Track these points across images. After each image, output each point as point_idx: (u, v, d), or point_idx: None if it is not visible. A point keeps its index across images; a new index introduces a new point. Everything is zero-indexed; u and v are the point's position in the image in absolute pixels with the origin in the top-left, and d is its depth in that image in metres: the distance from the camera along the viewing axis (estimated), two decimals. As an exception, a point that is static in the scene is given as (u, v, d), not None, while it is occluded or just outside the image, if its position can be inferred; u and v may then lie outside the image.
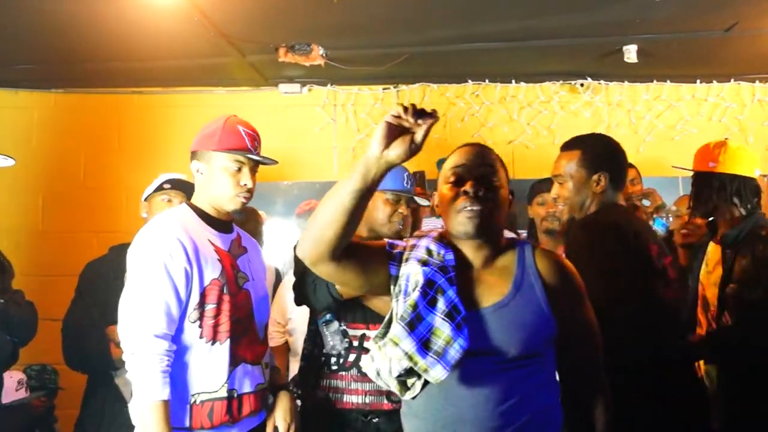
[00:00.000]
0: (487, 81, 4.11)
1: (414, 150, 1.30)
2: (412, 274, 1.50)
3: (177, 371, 1.85)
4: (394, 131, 1.29)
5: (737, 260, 2.27)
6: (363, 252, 1.53)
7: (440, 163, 2.37)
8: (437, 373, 1.38)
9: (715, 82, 4.16)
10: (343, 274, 1.48)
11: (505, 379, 1.45)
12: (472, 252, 1.56)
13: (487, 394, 1.45)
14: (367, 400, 2.16)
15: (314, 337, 2.26)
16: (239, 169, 1.99)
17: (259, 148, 2.05)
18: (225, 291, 1.92)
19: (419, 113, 1.27)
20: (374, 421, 2.14)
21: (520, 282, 1.52)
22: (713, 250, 2.41)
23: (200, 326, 1.88)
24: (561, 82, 4.14)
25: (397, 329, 1.42)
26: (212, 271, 1.91)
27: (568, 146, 2.17)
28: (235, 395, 1.90)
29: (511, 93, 4.15)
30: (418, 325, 1.42)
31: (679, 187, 3.97)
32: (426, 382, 1.43)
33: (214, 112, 4.31)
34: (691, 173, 2.47)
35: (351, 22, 3.08)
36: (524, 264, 1.55)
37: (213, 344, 1.89)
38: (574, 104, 4.16)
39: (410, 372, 1.41)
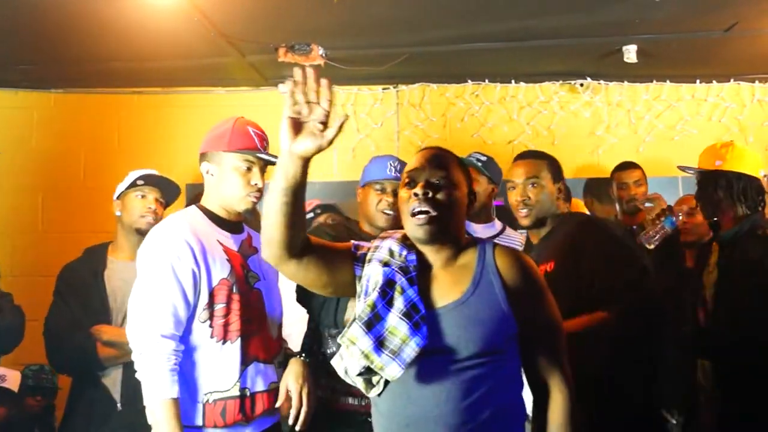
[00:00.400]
0: (486, 81, 4.11)
1: (324, 140, 1.32)
2: (372, 275, 1.52)
3: (188, 371, 1.87)
4: (298, 124, 1.33)
5: (732, 260, 2.29)
6: (327, 251, 1.55)
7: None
8: (392, 371, 1.41)
9: (714, 82, 4.16)
10: (306, 274, 1.51)
11: (465, 376, 1.46)
12: (431, 254, 1.57)
13: (448, 392, 1.45)
14: (365, 402, 2.15)
15: (313, 334, 2.28)
16: (249, 169, 2.01)
17: (268, 147, 2.07)
18: (234, 290, 1.93)
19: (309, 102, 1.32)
20: (369, 420, 2.14)
21: (478, 280, 1.53)
22: (715, 251, 2.42)
23: (210, 326, 1.90)
24: (561, 82, 4.14)
25: (355, 328, 1.45)
26: (221, 271, 1.93)
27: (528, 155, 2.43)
28: (248, 394, 1.92)
29: (511, 93, 4.15)
30: (375, 325, 1.45)
31: (679, 187, 3.97)
32: (389, 381, 1.46)
33: (213, 112, 4.34)
34: (694, 173, 2.48)
35: (351, 22, 3.08)
36: (484, 262, 1.56)
37: (224, 343, 1.90)
38: (574, 104, 4.15)
39: (370, 370, 1.44)
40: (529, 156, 2.42)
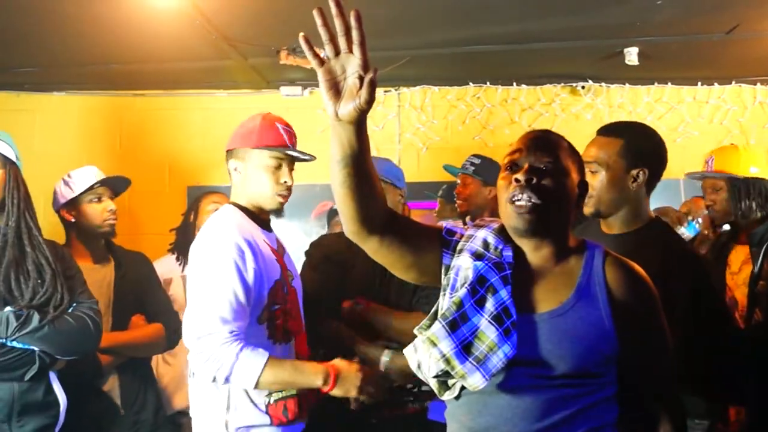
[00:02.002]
0: (488, 83, 4.11)
1: (361, 100, 1.16)
2: (462, 268, 1.36)
3: None
4: (335, 88, 1.19)
5: (766, 257, 2.29)
6: (413, 231, 1.42)
7: (446, 167, 2.40)
8: (475, 381, 1.27)
9: (716, 84, 4.15)
10: (388, 253, 1.37)
11: (549, 395, 1.31)
12: (530, 250, 1.39)
13: (527, 409, 1.31)
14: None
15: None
16: (278, 167, 1.95)
17: (296, 144, 2.02)
18: (285, 291, 1.92)
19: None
20: (373, 422, 2.15)
21: (583, 290, 1.35)
22: (737, 252, 2.42)
23: (267, 327, 1.87)
24: (562, 84, 4.14)
25: (437, 328, 1.30)
26: (274, 272, 1.90)
27: (607, 132, 1.98)
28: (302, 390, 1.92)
29: (512, 95, 4.16)
30: (461, 326, 1.30)
31: (681, 190, 3.97)
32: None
33: (215, 115, 4.34)
34: (725, 179, 2.50)
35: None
36: (591, 270, 1.37)
37: (279, 344, 1.89)
38: (575, 107, 4.16)
39: (449, 374, 1.31)
40: (600, 132, 2.02)
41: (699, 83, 4.15)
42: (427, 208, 3.88)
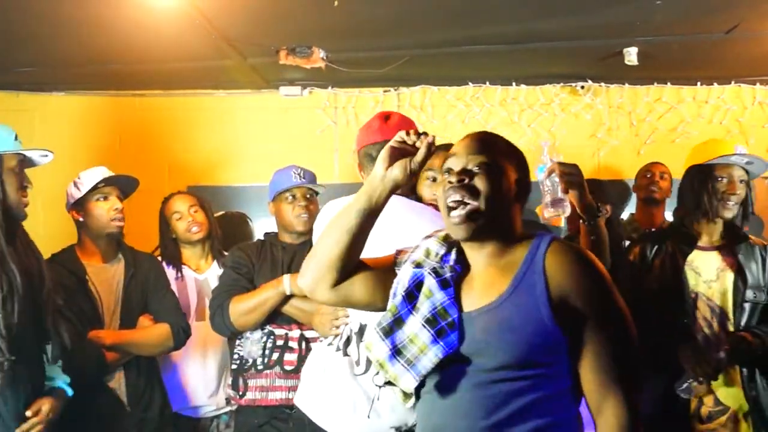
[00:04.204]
0: (487, 83, 4.11)
1: (414, 168, 1.37)
2: (402, 278, 1.40)
3: None
4: (397, 153, 1.38)
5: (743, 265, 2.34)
6: (370, 271, 1.47)
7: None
8: (406, 382, 1.31)
9: (715, 84, 4.15)
10: (346, 299, 1.46)
11: (492, 390, 1.29)
12: (474, 252, 1.40)
13: (471, 407, 1.30)
14: (291, 396, 2.34)
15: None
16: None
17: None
18: None
19: (418, 135, 1.38)
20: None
21: (519, 280, 1.32)
22: (706, 257, 2.41)
23: None
24: (561, 84, 4.14)
25: (371, 335, 1.36)
26: None
27: None
28: None
29: (512, 95, 4.15)
30: (396, 331, 1.33)
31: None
32: (418, 389, 1.38)
33: (214, 115, 4.34)
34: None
35: (352, 24, 3.08)
36: (532, 260, 1.34)
37: None
38: (575, 107, 4.15)
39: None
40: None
41: (698, 83, 4.15)
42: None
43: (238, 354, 2.55)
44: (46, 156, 2.22)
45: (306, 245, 2.53)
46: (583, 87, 4.14)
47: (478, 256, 1.40)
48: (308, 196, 2.65)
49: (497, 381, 1.30)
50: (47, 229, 3.60)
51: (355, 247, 1.39)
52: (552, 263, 1.32)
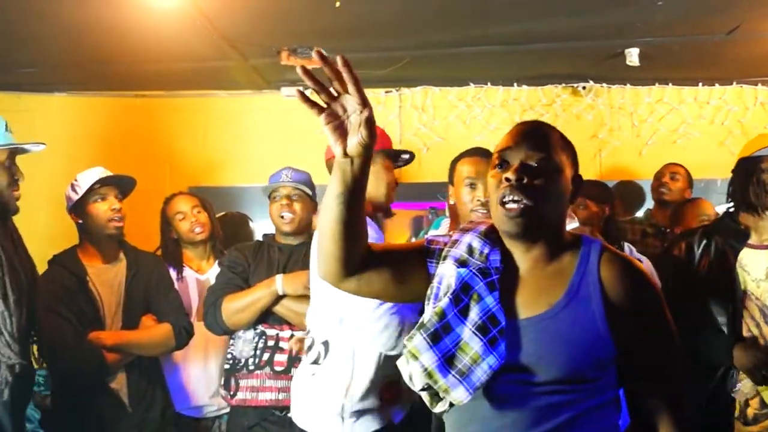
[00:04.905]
0: (489, 84, 4.11)
1: (365, 135, 1.18)
2: (446, 276, 1.30)
3: None
4: (340, 128, 1.20)
5: None
6: (393, 258, 1.37)
7: (453, 163, 2.39)
8: (459, 395, 1.21)
9: (717, 85, 4.15)
10: (370, 289, 1.34)
11: (540, 402, 1.24)
12: (521, 252, 1.32)
13: (516, 418, 1.25)
14: (281, 397, 2.41)
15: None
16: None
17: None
18: None
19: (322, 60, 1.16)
20: (288, 416, 2.23)
21: (575, 291, 1.26)
22: (755, 255, 2.30)
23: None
24: (563, 85, 4.14)
25: (418, 340, 1.24)
26: None
27: None
28: None
29: (513, 96, 4.15)
30: (443, 337, 1.23)
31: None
32: None
33: (216, 116, 4.34)
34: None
35: (353, 25, 3.08)
36: (585, 269, 1.28)
37: None
38: (577, 107, 4.15)
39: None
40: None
41: (700, 84, 4.15)
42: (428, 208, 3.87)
43: (231, 353, 2.55)
44: (39, 145, 2.20)
45: (303, 246, 2.53)
46: (584, 88, 4.14)
47: (524, 257, 1.32)
48: (293, 196, 2.60)
49: (545, 394, 1.24)
50: (48, 229, 3.60)
51: (351, 234, 1.26)
52: (608, 276, 1.28)
